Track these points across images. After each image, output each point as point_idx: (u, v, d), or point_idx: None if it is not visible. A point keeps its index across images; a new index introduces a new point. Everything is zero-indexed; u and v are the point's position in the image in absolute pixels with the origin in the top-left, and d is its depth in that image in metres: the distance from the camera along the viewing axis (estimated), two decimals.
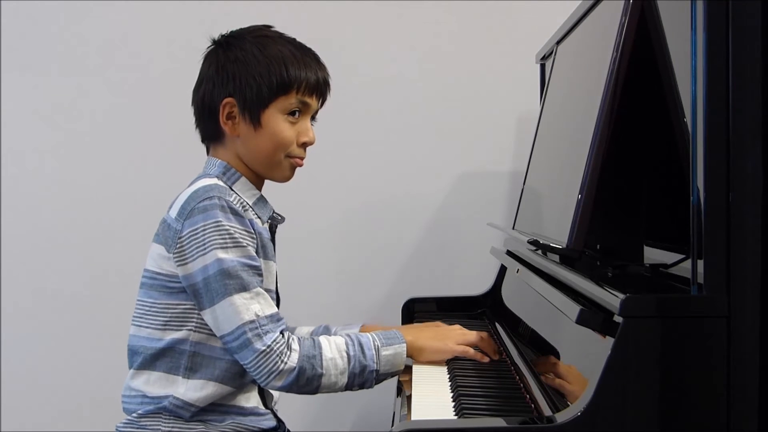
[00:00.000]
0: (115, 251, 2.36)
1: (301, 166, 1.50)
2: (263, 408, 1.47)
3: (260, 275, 1.39)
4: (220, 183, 1.42)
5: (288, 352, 1.34)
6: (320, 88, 1.47)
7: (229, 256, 1.34)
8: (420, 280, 2.35)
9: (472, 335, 1.49)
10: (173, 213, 1.40)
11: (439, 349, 1.45)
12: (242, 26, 1.51)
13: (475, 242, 2.32)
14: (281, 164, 1.47)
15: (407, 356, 1.43)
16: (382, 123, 2.35)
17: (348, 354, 1.37)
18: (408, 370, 1.43)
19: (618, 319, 1.02)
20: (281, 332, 1.35)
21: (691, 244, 1.04)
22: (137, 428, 1.40)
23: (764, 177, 1.03)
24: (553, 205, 1.47)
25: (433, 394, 1.30)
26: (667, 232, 1.27)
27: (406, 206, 2.35)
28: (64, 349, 2.37)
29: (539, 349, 1.39)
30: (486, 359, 1.48)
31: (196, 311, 1.39)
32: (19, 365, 2.38)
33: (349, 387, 1.39)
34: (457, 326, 1.54)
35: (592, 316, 1.08)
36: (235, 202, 1.39)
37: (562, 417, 1.02)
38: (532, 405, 1.24)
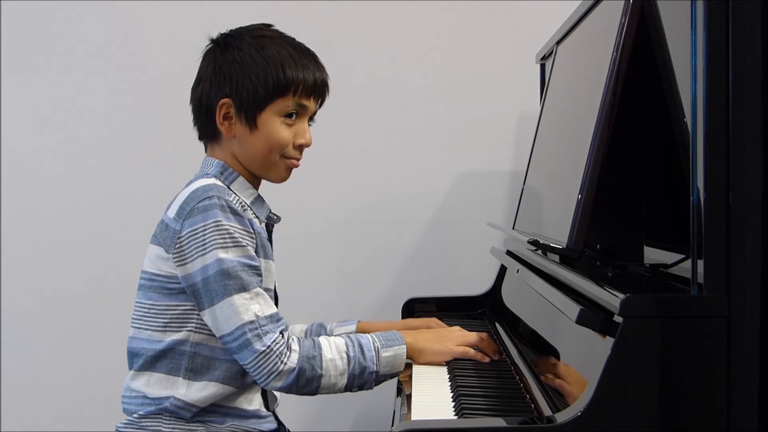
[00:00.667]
0: (115, 251, 2.36)
1: (296, 167, 1.50)
2: (265, 410, 1.47)
3: (260, 275, 1.39)
4: (218, 183, 1.42)
5: (288, 353, 1.34)
6: (318, 90, 1.47)
7: (228, 256, 1.34)
8: (420, 280, 2.35)
9: (472, 336, 1.49)
10: (171, 213, 1.40)
11: (438, 350, 1.45)
12: (242, 25, 1.50)
13: (475, 242, 2.32)
14: (277, 165, 1.47)
15: (407, 358, 1.43)
16: (382, 123, 2.35)
17: (348, 355, 1.37)
18: (408, 370, 1.43)
19: (618, 319, 1.02)
20: (281, 332, 1.35)
21: (691, 244, 1.04)
22: (138, 429, 1.40)
23: (764, 177, 1.03)
24: (553, 205, 1.47)
25: (433, 394, 1.30)
26: (667, 232, 1.27)
27: (406, 206, 2.35)
28: (64, 349, 2.37)
29: (539, 349, 1.39)
30: (486, 359, 1.48)
31: (195, 312, 1.38)
32: (19, 365, 2.38)
33: (348, 388, 1.38)
34: (457, 327, 1.54)
35: (592, 316, 1.08)
36: (234, 202, 1.39)
37: (562, 417, 1.02)
38: (532, 405, 1.24)
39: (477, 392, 1.30)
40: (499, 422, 1.08)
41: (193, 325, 1.39)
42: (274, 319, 1.36)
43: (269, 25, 1.50)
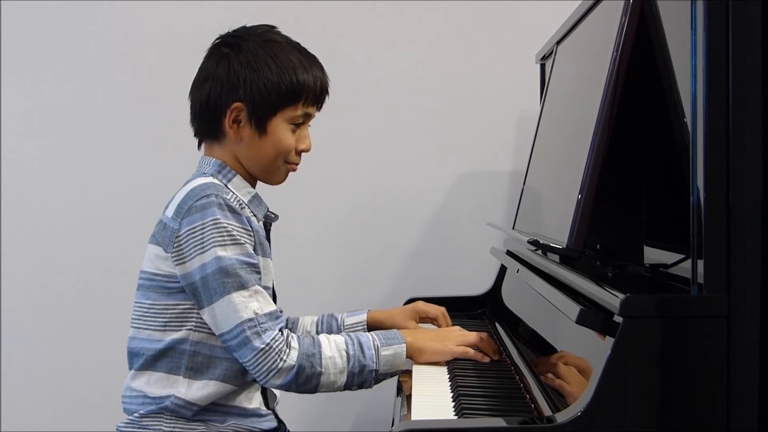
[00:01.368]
0: (114, 251, 2.36)
1: (295, 171, 1.51)
2: (265, 409, 1.47)
3: (258, 273, 1.39)
4: (216, 181, 1.42)
5: (287, 350, 1.34)
6: (322, 98, 1.49)
7: (227, 254, 1.35)
8: (420, 280, 2.35)
9: (472, 336, 1.49)
10: (169, 213, 1.40)
11: (438, 350, 1.45)
12: (242, 23, 1.50)
13: (475, 242, 2.32)
14: (279, 170, 1.49)
15: (407, 357, 1.43)
16: (382, 123, 2.35)
17: (347, 353, 1.37)
18: (408, 370, 1.43)
19: (618, 319, 1.02)
20: (280, 330, 1.35)
21: (691, 244, 1.04)
22: (139, 428, 1.40)
23: (764, 177, 1.03)
24: (553, 205, 1.47)
25: (433, 394, 1.30)
26: (667, 232, 1.27)
27: (407, 206, 2.35)
28: (64, 350, 2.37)
29: (539, 349, 1.39)
30: (486, 359, 1.48)
31: (195, 311, 1.39)
32: (19, 365, 2.39)
33: (348, 386, 1.39)
34: (457, 327, 1.54)
35: (592, 316, 1.08)
36: (231, 200, 1.39)
37: (562, 417, 1.02)
38: (532, 405, 1.24)
39: (477, 392, 1.30)
40: (499, 422, 1.08)
41: (193, 323, 1.39)
42: (274, 316, 1.36)
43: (273, 27, 1.50)
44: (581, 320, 1.08)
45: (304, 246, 2.34)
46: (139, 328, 1.43)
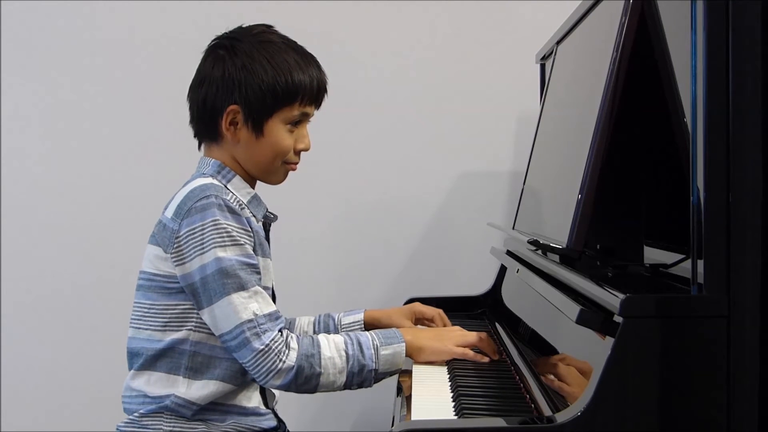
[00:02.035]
0: (113, 251, 2.36)
1: (294, 170, 1.51)
2: (264, 408, 1.47)
3: (258, 273, 1.39)
4: (216, 182, 1.43)
5: (286, 351, 1.34)
6: (320, 98, 1.49)
7: (227, 255, 1.35)
8: (420, 280, 2.35)
9: (472, 336, 1.49)
10: (169, 213, 1.40)
11: (438, 349, 1.45)
12: (240, 23, 1.50)
13: (475, 242, 2.32)
14: (278, 170, 1.49)
15: (406, 356, 1.43)
16: (381, 123, 2.35)
17: (347, 353, 1.37)
18: (408, 369, 1.43)
19: (618, 319, 1.02)
20: (280, 331, 1.35)
21: (691, 244, 1.04)
22: (139, 428, 1.40)
23: (764, 177, 1.03)
24: (553, 205, 1.47)
25: (433, 394, 1.30)
26: (667, 232, 1.27)
27: (407, 206, 2.35)
28: (64, 350, 2.37)
29: (539, 349, 1.39)
30: (486, 359, 1.48)
31: (195, 311, 1.39)
32: (19, 365, 2.38)
33: (347, 386, 1.39)
34: (457, 327, 1.54)
35: (592, 316, 1.08)
36: (231, 201, 1.39)
37: (562, 417, 1.02)
38: (532, 405, 1.24)
39: (477, 392, 1.30)
40: (499, 422, 1.08)
41: (193, 324, 1.39)
42: (273, 317, 1.36)
43: (270, 27, 1.50)
44: (581, 320, 1.08)
45: (303, 246, 2.34)
46: (139, 328, 1.43)
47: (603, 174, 1.22)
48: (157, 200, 1.53)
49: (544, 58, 2.05)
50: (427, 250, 2.36)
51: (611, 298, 1.05)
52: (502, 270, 1.99)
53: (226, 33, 1.49)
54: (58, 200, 2.38)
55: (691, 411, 1.02)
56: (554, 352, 1.28)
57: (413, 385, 1.35)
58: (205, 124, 1.47)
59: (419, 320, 1.70)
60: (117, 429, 1.43)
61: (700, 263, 1.03)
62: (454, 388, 1.32)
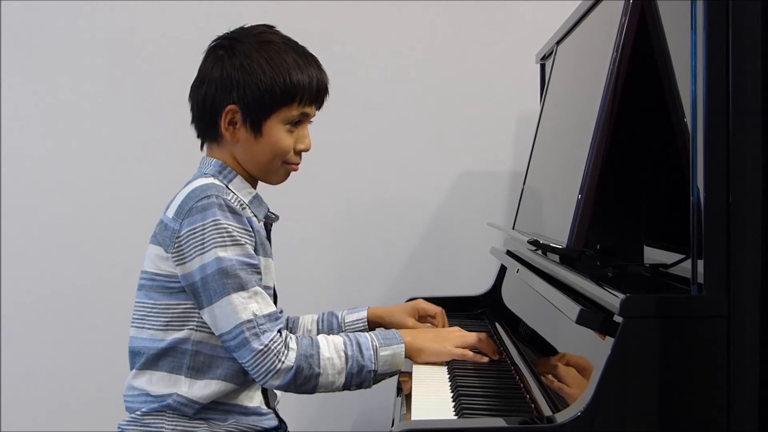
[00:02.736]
0: (114, 251, 2.36)
1: (296, 171, 1.51)
2: (266, 408, 1.48)
3: (259, 273, 1.39)
4: (217, 182, 1.43)
5: (285, 351, 1.34)
6: (320, 97, 1.48)
7: (227, 255, 1.35)
8: (420, 280, 2.35)
9: (471, 337, 1.49)
10: (170, 213, 1.41)
11: (437, 350, 1.45)
12: (241, 23, 1.50)
13: (475, 242, 2.32)
14: (278, 170, 1.49)
15: (405, 357, 1.43)
16: (381, 123, 2.35)
17: (346, 354, 1.37)
18: (408, 370, 1.43)
19: (618, 319, 1.02)
20: (279, 331, 1.35)
21: (691, 244, 1.04)
22: (140, 426, 1.40)
23: (764, 177, 1.03)
24: (553, 205, 1.47)
25: (433, 394, 1.30)
26: (667, 232, 1.27)
27: (406, 206, 2.35)
28: (64, 349, 2.37)
29: (539, 349, 1.39)
30: (485, 359, 1.48)
31: (196, 311, 1.39)
32: (19, 365, 2.38)
33: (346, 387, 1.39)
34: (456, 328, 1.54)
35: (592, 316, 1.08)
36: (232, 201, 1.39)
37: (562, 417, 1.02)
38: (532, 405, 1.24)
39: (477, 392, 1.30)
40: (499, 422, 1.08)
41: (195, 323, 1.39)
42: (273, 317, 1.36)
43: (272, 27, 1.50)
44: (581, 320, 1.08)
45: (304, 246, 2.34)
46: (141, 327, 1.43)
47: (603, 174, 1.22)
48: (158, 200, 1.53)
49: (544, 58, 2.05)
50: (427, 250, 2.36)
51: (611, 298, 1.05)
52: (502, 270, 1.99)
53: (226, 33, 1.49)
54: (58, 200, 2.38)
55: (691, 411, 1.02)
56: (554, 352, 1.28)
57: (413, 385, 1.35)
58: (206, 124, 1.47)
59: (422, 317, 1.70)
60: (118, 427, 1.43)
61: (700, 263, 1.03)
62: (454, 388, 1.32)
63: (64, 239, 2.37)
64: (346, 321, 1.67)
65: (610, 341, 1.02)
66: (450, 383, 1.36)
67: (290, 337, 1.36)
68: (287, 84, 1.42)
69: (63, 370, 2.38)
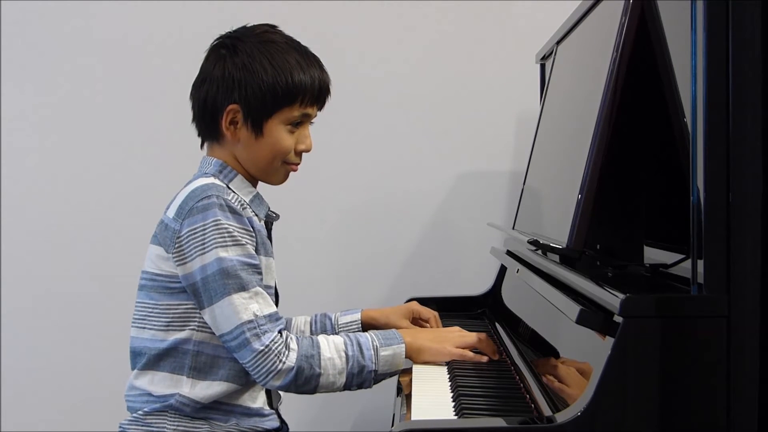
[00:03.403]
0: (115, 251, 2.36)
1: (295, 171, 1.51)
2: (268, 408, 1.48)
3: (260, 273, 1.39)
4: (217, 182, 1.43)
5: (286, 352, 1.34)
6: (322, 98, 1.48)
7: (228, 255, 1.35)
8: (420, 280, 2.35)
9: (471, 337, 1.49)
10: (171, 213, 1.41)
11: (437, 351, 1.45)
12: (243, 23, 1.50)
13: (475, 242, 2.32)
14: (278, 171, 1.49)
15: (405, 357, 1.43)
16: (382, 123, 2.35)
17: (346, 354, 1.37)
18: (408, 369, 1.43)
19: (618, 319, 1.02)
20: (280, 332, 1.35)
21: (691, 244, 1.04)
22: (142, 426, 1.40)
23: (764, 177, 1.03)
24: (553, 205, 1.47)
25: (433, 394, 1.30)
26: (667, 232, 1.27)
27: (406, 206, 2.36)
28: (64, 349, 2.37)
29: (539, 349, 1.39)
30: (485, 359, 1.48)
31: (198, 311, 1.39)
32: (19, 365, 2.38)
33: (347, 387, 1.39)
34: (456, 328, 1.54)
35: (592, 316, 1.08)
36: (233, 201, 1.39)
37: (562, 417, 1.02)
38: (532, 405, 1.24)
39: (477, 392, 1.30)
40: (499, 422, 1.08)
41: (196, 323, 1.39)
42: (273, 318, 1.36)
43: (274, 27, 1.50)
44: (581, 320, 1.08)
45: (304, 245, 2.34)
46: (143, 328, 1.43)
47: (603, 174, 1.22)
48: (159, 200, 1.53)
49: (544, 58, 2.05)
50: (427, 250, 2.36)
51: (611, 298, 1.05)
52: (502, 270, 1.99)
53: (229, 32, 1.49)
54: (58, 200, 2.38)
55: (691, 411, 1.02)
56: (554, 352, 1.28)
57: (413, 385, 1.35)
58: (206, 124, 1.47)
59: (415, 320, 1.70)
60: (120, 427, 1.43)
61: (700, 263, 1.03)
62: (454, 388, 1.32)
63: (65, 239, 2.37)
64: (339, 323, 1.67)
65: (610, 341, 1.02)
66: (450, 383, 1.36)
67: (291, 338, 1.37)
68: (289, 84, 1.42)
69: (63, 369, 2.38)
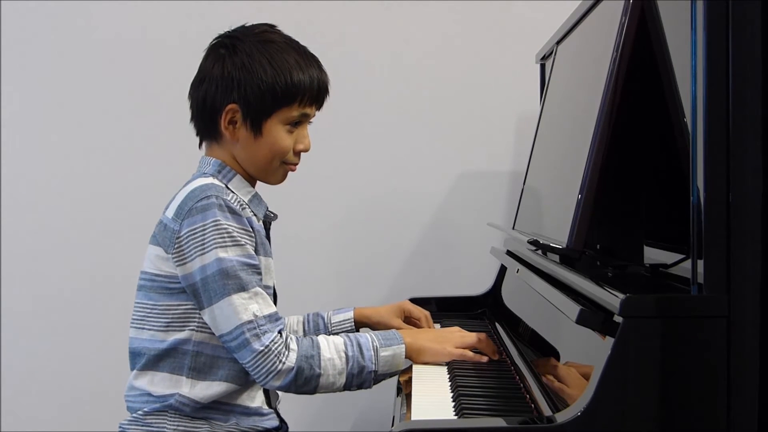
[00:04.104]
0: (114, 251, 2.36)
1: (294, 171, 1.51)
2: (267, 408, 1.48)
3: (259, 274, 1.39)
4: (216, 182, 1.43)
5: (286, 352, 1.34)
6: (321, 98, 1.48)
7: (228, 256, 1.35)
8: (420, 280, 2.35)
9: (471, 337, 1.49)
10: (170, 213, 1.41)
11: (437, 351, 1.45)
12: (242, 22, 1.50)
13: (475, 242, 2.32)
14: (276, 171, 1.49)
15: (406, 357, 1.43)
16: (382, 123, 2.35)
17: (346, 354, 1.37)
18: (408, 369, 1.43)
19: (618, 319, 1.02)
20: (280, 332, 1.35)
21: (691, 244, 1.04)
22: (142, 426, 1.40)
23: (764, 177, 1.03)
24: (553, 205, 1.47)
25: (433, 394, 1.30)
26: (667, 232, 1.27)
27: (406, 206, 2.36)
28: (64, 350, 2.37)
29: (539, 349, 1.39)
30: (485, 359, 1.48)
31: (197, 311, 1.39)
32: (19, 365, 2.38)
33: (347, 387, 1.39)
34: (456, 328, 1.54)
35: (592, 316, 1.08)
36: (232, 201, 1.39)
37: (562, 417, 1.02)
38: (532, 405, 1.24)
39: (477, 392, 1.30)
40: (499, 422, 1.08)
41: (196, 324, 1.39)
42: (273, 318, 1.36)
43: (273, 26, 1.50)
44: (581, 320, 1.08)
45: (303, 245, 2.34)
46: (142, 328, 1.43)
47: (603, 174, 1.22)
48: (158, 200, 1.53)
49: (544, 58, 2.05)
50: (427, 250, 2.36)
51: (611, 298, 1.05)
52: (502, 270, 1.99)
53: (227, 32, 1.49)
54: (57, 200, 2.38)
55: (691, 411, 1.02)
56: (554, 352, 1.28)
57: (413, 385, 1.35)
58: (205, 123, 1.47)
59: (407, 319, 1.70)
60: (120, 427, 1.43)
61: (700, 263, 1.03)
62: (454, 388, 1.32)
63: (64, 239, 2.37)
64: (332, 321, 1.67)
65: (610, 341, 1.02)
66: (450, 383, 1.36)
67: (291, 338, 1.37)
68: (288, 84, 1.42)
69: (63, 369, 2.38)
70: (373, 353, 1.39)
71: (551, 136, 1.66)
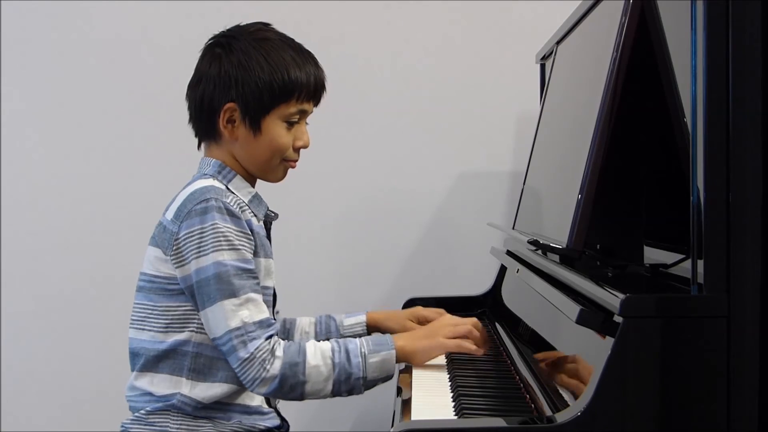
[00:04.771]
0: (114, 252, 2.36)
1: (294, 168, 1.51)
2: (267, 407, 1.48)
3: (255, 278, 1.38)
4: (216, 183, 1.42)
5: (271, 359, 1.33)
6: (318, 94, 1.48)
7: (224, 260, 1.34)
8: (420, 280, 2.35)
9: (463, 327, 1.47)
10: (169, 215, 1.40)
11: (429, 346, 1.44)
12: (239, 22, 1.50)
13: (475, 242, 2.32)
14: (277, 168, 1.48)
15: (402, 361, 1.42)
16: (382, 123, 2.35)
17: (333, 361, 1.36)
18: (408, 370, 1.43)
19: (618, 319, 1.02)
20: (268, 338, 1.34)
21: (691, 244, 1.04)
22: (145, 425, 1.40)
23: (764, 177, 1.04)
24: (553, 205, 1.47)
25: (433, 394, 1.30)
26: (667, 232, 1.27)
27: (406, 206, 2.35)
28: (64, 350, 2.37)
29: (539, 349, 1.39)
30: (481, 352, 1.46)
31: (196, 313, 1.38)
32: (19, 365, 2.38)
33: (336, 394, 1.37)
34: (447, 317, 1.53)
35: (592, 316, 1.08)
36: (232, 203, 1.39)
37: (562, 417, 1.02)
38: (532, 405, 1.24)
39: (477, 392, 1.30)
40: (499, 422, 1.08)
41: (195, 325, 1.39)
42: (264, 324, 1.35)
43: (268, 25, 1.50)
44: (581, 320, 1.08)
45: (303, 245, 2.34)
46: (141, 329, 1.43)
47: (603, 174, 1.22)
48: (158, 201, 1.53)
49: (544, 58, 2.05)
50: (427, 250, 2.36)
51: (611, 298, 1.05)
52: (502, 270, 1.99)
53: (223, 31, 1.49)
54: (57, 201, 2.38)
55: (691, 411, 1.02)
56: (554, 352, 1.28)
57: (413, 385, 1.35)
58: (204, 123, 1.47)
59: (421, 323, 1.68)
60: (122, 426, 1.43)
61: (700, 263, 1.03)
62: (454, 388, 1.32)
63: (64, 240, 2.37)
64: (344, 324, 1.66)
65: (610, 341, 1.02)
66: (450, 383, 1.36)
67: (278, 345, 1.35)
68: (285, 81, 1.42)
69: (63, 370, 2.38)
70: (361, 359, 1.37)
71: (551, 136, 1.66)
